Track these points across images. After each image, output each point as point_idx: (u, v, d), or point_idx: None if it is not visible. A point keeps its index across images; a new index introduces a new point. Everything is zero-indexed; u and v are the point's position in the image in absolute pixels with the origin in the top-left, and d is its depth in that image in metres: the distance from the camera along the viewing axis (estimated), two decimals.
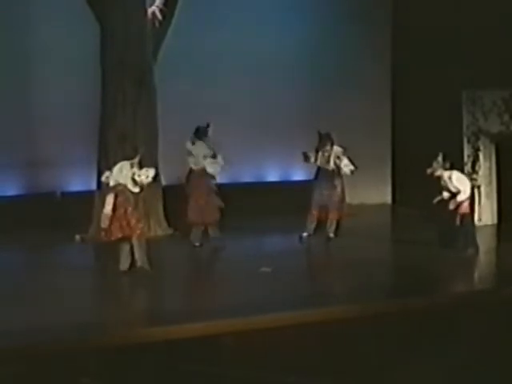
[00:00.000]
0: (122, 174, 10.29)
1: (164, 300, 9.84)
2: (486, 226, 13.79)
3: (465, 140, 14.20)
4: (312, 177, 12.85)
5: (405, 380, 7.66)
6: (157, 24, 13.44)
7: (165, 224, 13.40)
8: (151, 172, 10.45)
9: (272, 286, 9.85)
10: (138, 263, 10.36)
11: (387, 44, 16.54)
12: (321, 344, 7.99)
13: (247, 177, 15.87)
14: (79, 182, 14.47)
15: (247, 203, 14.52)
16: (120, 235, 10.22)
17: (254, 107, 15.40)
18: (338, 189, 12.62)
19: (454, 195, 11.47)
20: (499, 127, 13.76)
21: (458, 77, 14.08)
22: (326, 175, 12.57)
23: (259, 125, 15.31)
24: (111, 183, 10.32)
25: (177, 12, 13.70)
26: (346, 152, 12.46)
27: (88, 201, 12.93)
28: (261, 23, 15.47)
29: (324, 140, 12.52)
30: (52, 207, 14.07)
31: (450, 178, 11.50)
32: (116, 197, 10.21)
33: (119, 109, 13.10)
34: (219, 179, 12.44)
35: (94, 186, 13.17)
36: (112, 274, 10.44)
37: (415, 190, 14.62)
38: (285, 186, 15.83)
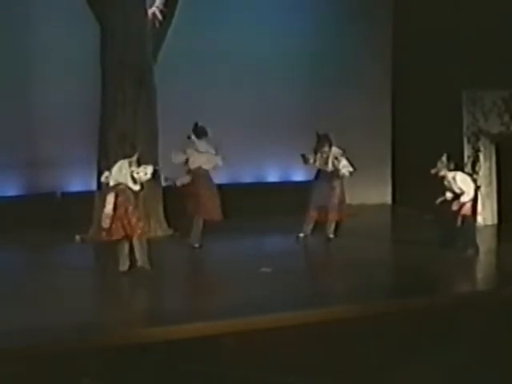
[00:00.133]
0: (122, 173, 10.30)
1: (164, 300, 9.83)
2: (486, 226, 13.80)
3: (465, 140, 14.20)
4: (312, 177, 12.86)
5: (405, 380, 7.66)
6: (157, 24, 13.46)
7: (165, 224, 13.40)
8: (149, 169, 10.45)
9: (272, 286, 9.84)
10: (139, 263, 10.36)
11: (387, 44, 16.53)
12: (321, 344, 7.98)
13: (247, 177, 15.87)
14: (79, 182, 14.48)
15: (247, 203, 14.53)
16: (121, 235, 10.23)
17: (254, 107, 15.38)
18: (337, 190, 12.59)
19: (457, 196, 11.45)
20: (499, 127, 13.75)
21: (458, 77, 14.08)
22: (325, 176, 12.56)
23: (259, 125, 15.30)
24: (111, 183, 10.32)
25: (177, 12, 13.70)
26: (344, 153, 12.44)
27: (88, 201, 12.92)
28: (261, 23, 15.46)
29: (322, 141, 12.49)
30: (52, 207, 14.07)
31: (454, 178, 11.45)
32: (116, 196, 10.21)
33: (119, 109, 13.09)
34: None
35: (94, 186, 13.16)
36: (112, 274, 10.43)
37: (415, 189, 14.65)
38: (285, 186, 15.81)
